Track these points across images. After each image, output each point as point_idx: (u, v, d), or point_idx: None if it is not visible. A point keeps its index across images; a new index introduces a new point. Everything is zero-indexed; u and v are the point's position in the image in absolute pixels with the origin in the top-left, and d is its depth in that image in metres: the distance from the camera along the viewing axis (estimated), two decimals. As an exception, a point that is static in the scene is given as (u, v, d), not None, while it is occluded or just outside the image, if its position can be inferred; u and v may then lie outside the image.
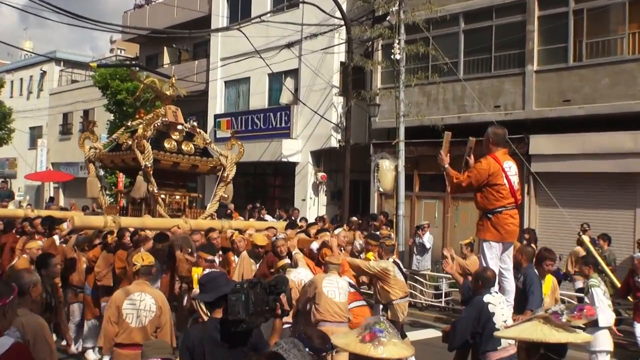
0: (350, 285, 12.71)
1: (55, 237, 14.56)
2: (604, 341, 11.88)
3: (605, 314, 11.81)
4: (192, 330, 8.18)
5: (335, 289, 11.62)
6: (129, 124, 18.78)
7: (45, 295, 10.10)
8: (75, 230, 14.86)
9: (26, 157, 60.75)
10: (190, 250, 13.93)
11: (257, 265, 13.87)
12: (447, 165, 11.39)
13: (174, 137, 17.98)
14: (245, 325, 7.17)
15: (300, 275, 12.63)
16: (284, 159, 33.73)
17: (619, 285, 17.00)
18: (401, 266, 14.51)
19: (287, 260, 13.37)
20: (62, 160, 54.89)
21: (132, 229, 14.52)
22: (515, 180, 10.80)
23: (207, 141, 18.93)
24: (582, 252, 18.50)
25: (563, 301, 14.53)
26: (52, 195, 55.62)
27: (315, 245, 14.60)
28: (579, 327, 5.52)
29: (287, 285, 7.75)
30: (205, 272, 10.11)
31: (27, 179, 54.97)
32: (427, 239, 22.49)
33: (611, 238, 20.39)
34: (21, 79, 65.56)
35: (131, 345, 9.64)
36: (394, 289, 13.36)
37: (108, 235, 14.46)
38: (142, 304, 9.74)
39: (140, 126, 17.07)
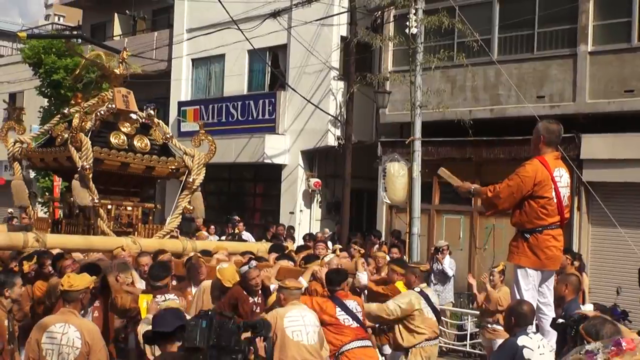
0: (352, 317, 12.35)
1: None
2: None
3: None
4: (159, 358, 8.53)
5: (302, 327, 11.21)
6: (66, 111, 18.18)
7: (8, 323, 10.45)
8: None
9: None
10: (130, 278, 13.40)
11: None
12: (472, 188, 11.35)
13: (123, 129, 17.43)
14: (203, 358, 7.36)
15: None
16: (267, 161, 33.66)
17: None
18: (431, 298, 13.58)
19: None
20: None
21: (57, 251, 14.12)
22: (565, 193, 10.59)
23: (168, 135, 18.34)
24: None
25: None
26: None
27: (304, 282, 13.67)
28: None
29: (269, 331, 8.13)
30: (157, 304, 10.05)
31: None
32: (449, 265, 22.51)
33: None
34: None
35: None
36: (420, 328, 12.92)
37: (24, 262, 13.81)
38: (64, 337, 9.69)
39: (77, 115, 16.52)
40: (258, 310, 13.04)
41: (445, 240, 25.17)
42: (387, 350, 14.73)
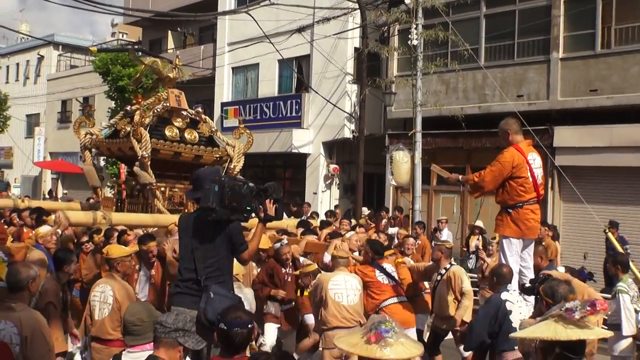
0: (388, 275, 12.28)
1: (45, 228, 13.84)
2: (625, 347, 11.77)
3: (630, 323, 11.60)
4: (183, 217, 9.19)
5: (343, 290, 11.19)
6: (128, 108, 18.12)
7: (62, 294, 10.36)
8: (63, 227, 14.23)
9: (23, 147, 60.78)
10: None
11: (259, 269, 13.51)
12: (460, 176, 11.35)
13: (176, 124, 17.12)
14: (215, 215, 7.77)
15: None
16: (294, 150, 33.73)
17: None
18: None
19: (315, 266, 13.11)
20: (60, 149, 54.90)
21: (121, 228, 14.15)
22: (539, 173, 10.63)
23: (213, 129, 18.09)
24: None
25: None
26: (50, 188, 55.67)
27: (328, 258, 13.73)
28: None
29: (279, 193, 8.23)
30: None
31: (37, 165, 55.10)
32: (447, 236, 22.38)
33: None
34: (17, 64, 65.58)
35: (101, 340, 9.66)
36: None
37: (94, 235, 14.05)
38: (102, 295, 9.78)
39: (138, 112, 16.25)
40: (289, 280, 13.15)
41: (442, 216, 25.16)
42: None
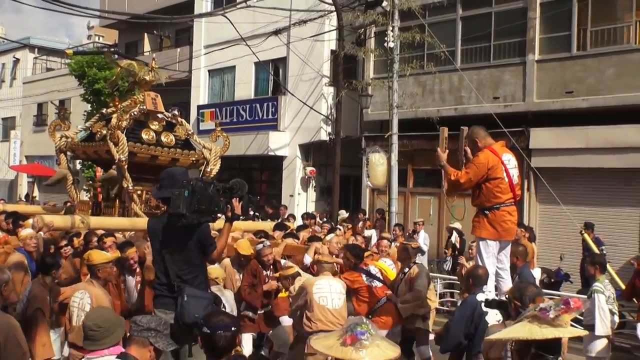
0: (375, 277, 12.52)
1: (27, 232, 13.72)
2: (601, 349, 11.89)
3: (604, 323, 11.73)
4: (151, 221, 9.04)
5: (327, 293, 11.24)
6: (104, 111, 18.08)
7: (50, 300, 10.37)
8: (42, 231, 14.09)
9: (-2, 150, 60.56)
10: None
11: (241, 274, 13.38)
12: (444, 163, 11.14)
13: (152, 127, 17.09)
14: (185, 221, 7.79)
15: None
16: (271, 153, 33.69)
17: (623, 286, 16.95)
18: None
19: (296, 268, 13.04)
20: (36, 153, 54.64)
21: (101, 232, 14.06)
22: (514, 174, 10.60)
23: (189, 132, 18.08)
24: None
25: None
26: (26, 191, 55.43)
27: (308, 259, 14.14)
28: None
29: (244, 190, 8.30)
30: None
31: (13, 169, 54.90)
32: (423, 240, 22.35)
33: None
34: (-7, 67, 65.28)
35: (77, 347, 9.55)
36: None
37: (74, 239, 13.98)
38: (80, 302, 9.74)
39: (115, 115, 16.28)
40: (269, 282, 13.14)
41: (418, 218, 25.18)
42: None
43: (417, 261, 13.14)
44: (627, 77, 22.07)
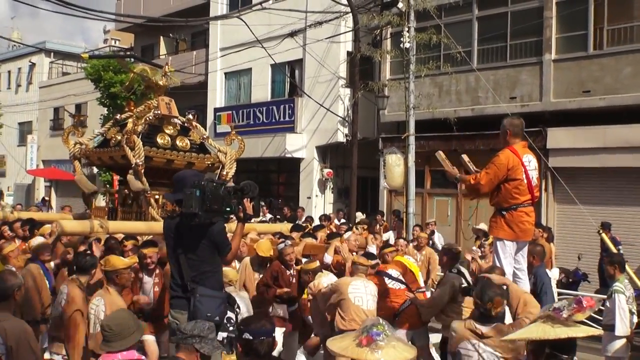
0: (397, 280, 12.55)
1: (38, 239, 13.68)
2: (619, 348, 11.82)
3: (624, 323, 11.65)
4: (167, 220, 9.18)
5: (363, 294, 11.32)
6: (118, 117, 18.02)
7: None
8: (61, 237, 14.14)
9: (15, 155, 60.67)
10: None
11: (261, 274, 13.34)
12: (458, 175, 11.08)
13: (167, 131, 17.06)
14: (198, 220, 7.93)
15: (333, 281, 12.03)
16: (288, 155, 33.68)
17: (640, 285, 16.88)
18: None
19: (317, 263, 13.12)
20: (53, 157, 54.67)
21: (120, 236, 14.05)
22: (534, 175, 10.43)
23: (204, 136, 17.99)
24: None
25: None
26: (44, 195, 55.55)
27: (328, 259, 14.20)
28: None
29: (255, 191, 8.34)
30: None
31: (30, 174, 55.03)
32: (438, 240, 22.29)
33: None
34: (9, 72, 65.28)
35: (96, 355, 9.36)
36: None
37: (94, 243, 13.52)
38: (96, 309, 9.72)
39: (130, 120, 16.17)
40: (294, 281, 13.16)
41: (435, 219, 25.19)
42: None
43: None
44: (645, 75, 21.98)
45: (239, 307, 9.39)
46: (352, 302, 11.14)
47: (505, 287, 8.23)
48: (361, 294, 11.30)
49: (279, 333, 12.62)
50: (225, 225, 8.68)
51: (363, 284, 11.49)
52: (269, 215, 28.11)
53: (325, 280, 11.96)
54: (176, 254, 8.45)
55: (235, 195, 8.28)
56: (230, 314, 8.63)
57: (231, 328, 8.31)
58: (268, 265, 13.43)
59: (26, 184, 59.97)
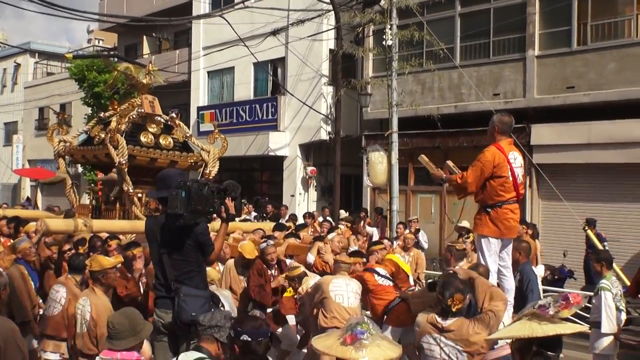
0: (386, 277, 12.51)
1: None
2: (607, 346, 11.84)
3: (610, 321, 11.66)
4: (149, 220, 9.26)
5: (344, 292, 11.37)
6: (102, 115, 18.11)
7: None
8: (45, 235, 14.20)
9: (1, 155, 60.67)
10: None
11: (245, 277, 13.20)
12: (444, 175, 10.88)
13: (151, 130, 17.26)
14: (183, 221, 7.99)
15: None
16: (272, 153, 33.65)
17: (627, 283, 16.69)
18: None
19: (302, 269, 12.92)
20: (38, 157, 54.80)
21: (104, 235, 14.04)
22: (519, 172, 10.30)
23: (187, 134, 18.24)
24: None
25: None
26: (29, 195, 55.44)
27: (311, 258, 14.20)
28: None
29: (237, 191, 8.41)
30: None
31: (16, 173, 54.91)
32: (423, 239, 22.13)
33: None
34: (-6, 72, 65.38)
35: (83, 354, 9.60)
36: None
37: (79, 247, 13.44)
38: (82, 309, 9.62)
39: (114, 118, 16.36)
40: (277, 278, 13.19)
41: (419, 216, 25.20)
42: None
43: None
44: (629, 71, 21.93)
45: (223, 306, 9.43)
46: (333, 300, 11.19)
47: (471, 280, 8.21)
48: (342, 291, 11.35)
49: None
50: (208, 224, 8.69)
51: (344, 281, 11.56)
52: (254, 214, 27.92)
53: (313, 282, 12.00)
54: (159, 254, 8.39)
55: (218, 195, 8.23)
56: None
57: None
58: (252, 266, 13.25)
59: (12, 184, 60.11)
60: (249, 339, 5.93)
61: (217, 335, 6.63)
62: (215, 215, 8.59)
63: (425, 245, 22.17)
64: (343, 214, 25.82)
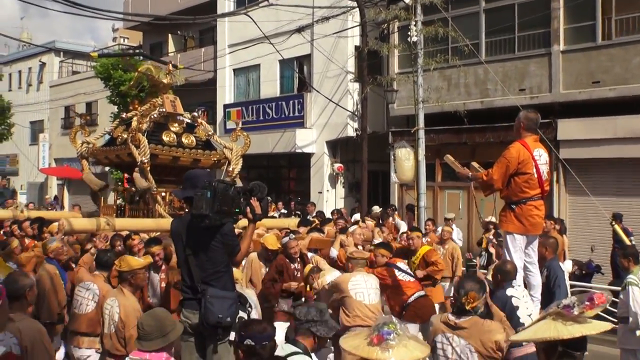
0: (406, 272, 12.65)
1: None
2: (635, 340, 11.68)
3: (638, 316, 11.53)
4: (174, 222, 9.04)
5: (364, 289, 11.30)
6: (124, 115, 18.19)
7: None
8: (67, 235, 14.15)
9: (28, 154, 60.92)
10: None
11: (267, 269, 13.42)
12: (470, 174, 11.00)
13: (173, 129, 17.36)
14: (208, 221, 7.93)
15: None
16: (298, 150, 33.67)
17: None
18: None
19: (311, 265, 13.01)
20: (64, 155, 54.72)
21: (125, 233, 14.23)
22: (544, 169, 10.40)
23: (210, 133, 18.14)
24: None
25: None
26: (56, 194, 55.75)
27: (334, 252, 14.21)
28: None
29: (263, 191, 8.42)
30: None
31: (43, 172, 55.23)
32: (457, 235, 21.95)
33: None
34: (19, 72, 65.66)
35: (111, 354, 9.69)
36: None
37: (95, 240, 13.77)
38: (110, 310, 9.68)
39: (135, 118, 16.40)
40: (299, 275, 13.20)
41: (447, 211, 25.15)
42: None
43: None
44: (654, 65, 21.87)
45: (250, 307, 9.57)
46: (354, 299, 11.15)
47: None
48: (362, 289, 11.31)
49: (282, 328, 12.64)
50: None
51: (363, 278, 11.51)
52: (283, 210, 28.17)
53: (329, 277, 11.95)
54: (185, 255, 8.35)
55: (244, 196, 8.25)
56: (242, 313, 8.75)
57: None
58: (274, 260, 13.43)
59: (39, 182, 60.33)
60: (253, 343, 6.08)
61: (314, 330, 6.84)
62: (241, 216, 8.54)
63: (460, 243, 22.13)
64: (377, 209, 25.90)
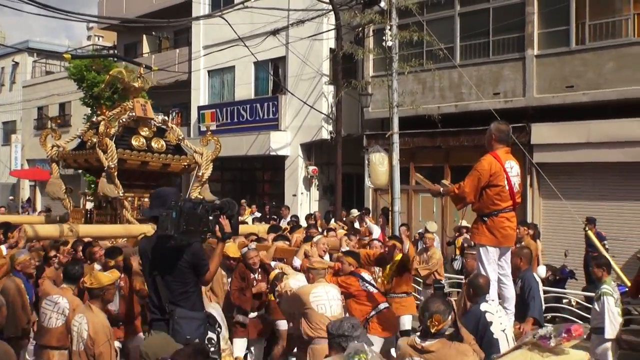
0: (369, 283, 12.45)
1: (2, 247, 13.17)
2: (609, 350, 11.87)
3: (613, 326, 11.72)
4: (141, 241, 9.06)
5: (325, 301, 10.98)
6: (94, 119, 18.16)
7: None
8: (29, 241, 14.00)
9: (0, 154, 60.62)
10: None
11: (229, 279, 13.38)
12: (441, 189, 10.98)
13: (142, 133, 17.34)
14: (174, 242, 7.85)
15: (301, 282, 11.92)
16: (273, 153, 33.64)
17: (628, 283, 16.84)
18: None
19: (276, 270, 12.96)
20: (37, 156, 54.40)
21: (88, 240, 14.13)
22: (516, 181, 10.37)
23: (180, 137, 18.20)
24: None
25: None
26: (29, 196, 55.53)
27: (297, 262, 13.90)
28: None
29: (233, 209, 8.29)
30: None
31: (13, 175, 54.92)
32: (435, 242, 21.88)
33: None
34: (-8, 71, 65.33)
35: None
36: None
37: (61, 247, 13.80)
38: (79, 327, 9.50)
39: (102, 123, 16.26)
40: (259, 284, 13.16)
41: (420, 216, 25.24)
42: None
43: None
44: (627, 70, 22.06)
45: (220, 327, 9.44)
46: (316, 311, 10.94)
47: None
48: (324, 300, 11.07)
49: (241, 344, 12.85)
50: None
51: (324, 289, 11.28)
52: (257, 214, 28.17)
53: (293, 282, 11.93)
54: (152, 276, 8.29)
55: (213, 214, 8.14)
56: (211, 334, 8.62)
57: (212, 349, 8.30)
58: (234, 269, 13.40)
59: (11, 184, 59.92)
60: None
61: (344, 344, 6.67)
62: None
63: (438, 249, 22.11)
64: (355, 212, 25.88)
